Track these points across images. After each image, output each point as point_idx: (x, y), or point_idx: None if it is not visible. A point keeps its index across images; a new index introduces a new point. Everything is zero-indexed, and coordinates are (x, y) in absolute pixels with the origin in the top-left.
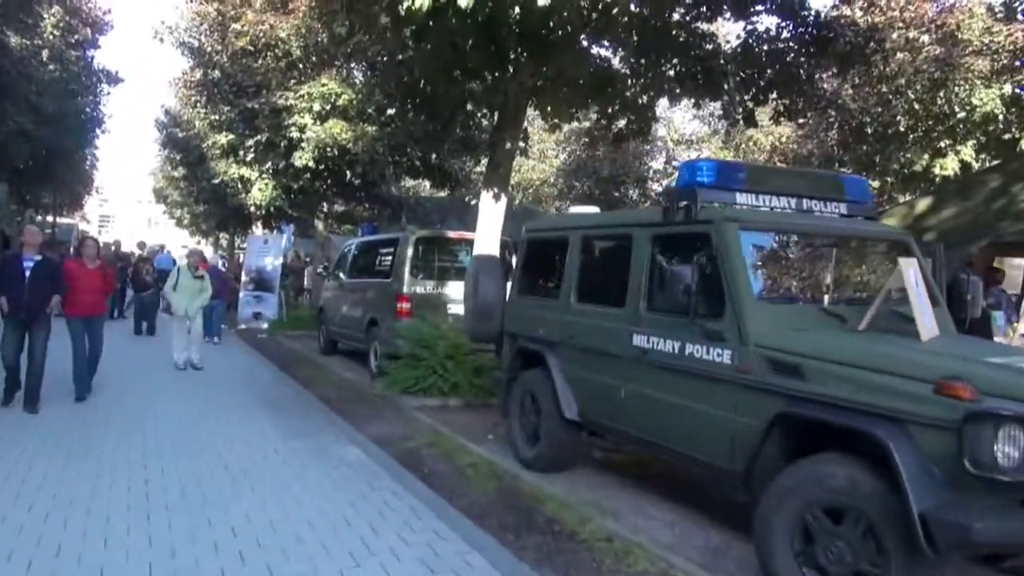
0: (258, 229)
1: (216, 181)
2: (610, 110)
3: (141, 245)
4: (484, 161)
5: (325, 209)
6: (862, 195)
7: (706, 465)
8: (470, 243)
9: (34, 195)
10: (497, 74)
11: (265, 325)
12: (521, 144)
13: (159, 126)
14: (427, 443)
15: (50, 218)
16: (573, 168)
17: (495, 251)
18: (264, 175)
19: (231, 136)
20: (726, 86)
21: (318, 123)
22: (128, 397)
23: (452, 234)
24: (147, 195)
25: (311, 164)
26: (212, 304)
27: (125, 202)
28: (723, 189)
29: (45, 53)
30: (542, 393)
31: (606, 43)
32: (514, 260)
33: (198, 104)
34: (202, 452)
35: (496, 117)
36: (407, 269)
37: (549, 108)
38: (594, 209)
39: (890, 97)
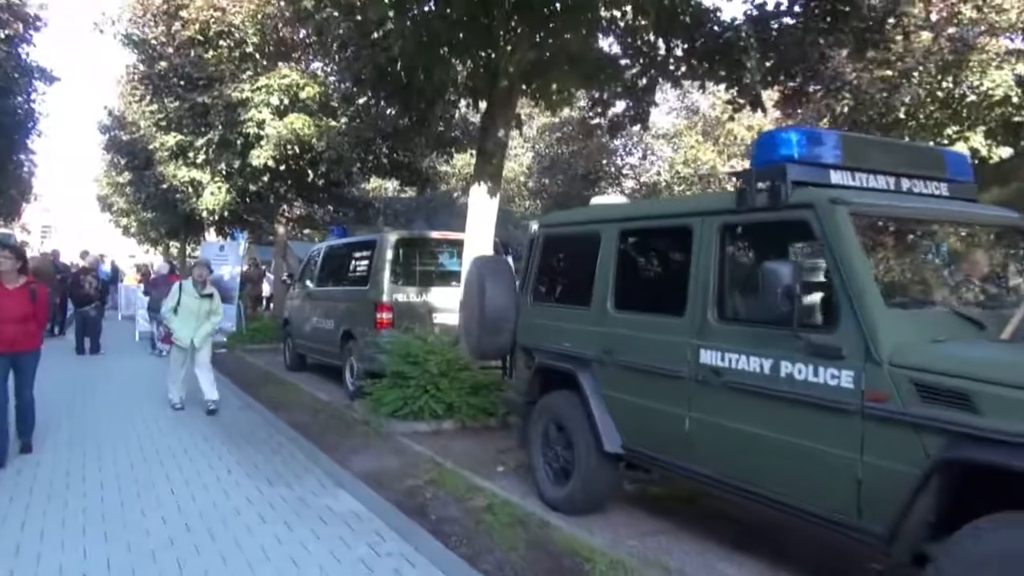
0: (211, 236)
1: (164, 186)
2: (606, 94)
3: (83, 254)
4: (458, 159)
5: (286, 212)
6: (963, 172)
7: (817, 518)
8: (456, 244)
9: None
10: (490, 51)
11: (224, 339)
12: (515, 132)
13: (102, 129)
14: (429, 480)
15: None
16: (546, 166)
17: (488, 252)
18: (217, 178)
19: (180, 136)
20: (749, 63)
21: (277, 118)
22: (68, 435)
23: (435, 235)
24: (92, 203)
25: (271, 163)
26: (157, 314)
27: (68, 211)
28: (814, 165)
29: None
30: (573, 421)
31: (619, 15)
32: (509, 260)
33: (144, 100)
34: (158, 506)
35: (485, 102)
36: (386, 275)
37: (549, 90)
38: (621, 199)
39: (898, 81)
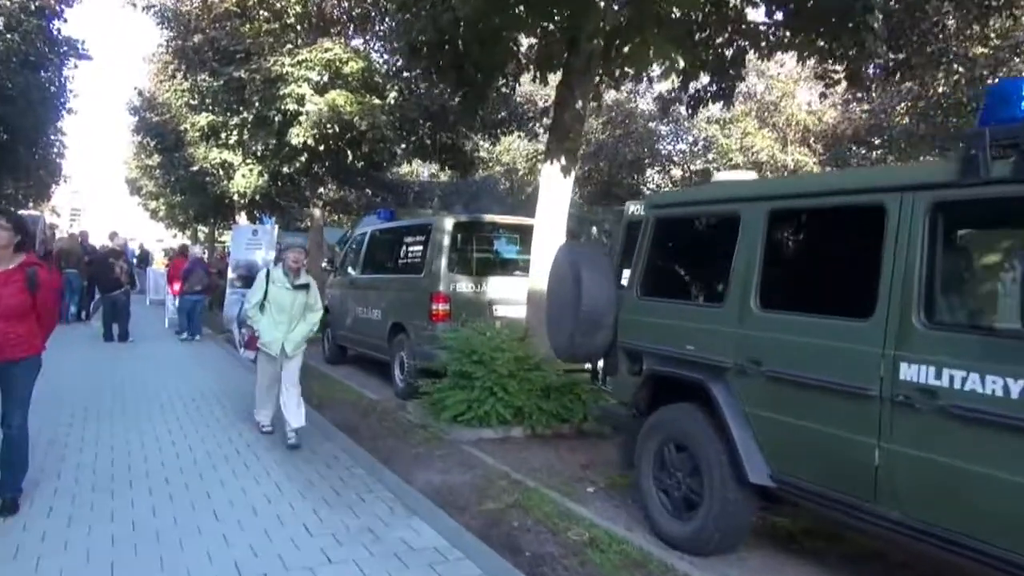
0: (241, 219)
1: (194, 168)
2: (690, 65)
3: (112, 236)
4: (508, 140)
5: (323, 195)
6: None
7: None
8: (519, 230)
9: None
10: (569, 11)
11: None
12: (593, 104)
13: (132, 110)
14: (512, 503)
15: (17, 210)
16: (591, 151)
17: (560, 238)
18: (249, 159)
19: (212, 116)
20: (875, 25)
21: (317, 95)
22: (95, 437)
23: (496, 219)
24: (120, 186)
25: (310, 142)
26: (194, 300)
27: (97, 194)
28: None
29: (0, 21)
30: (701, 442)
31: None
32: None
33: (176, 76)
34: (199, 536)
35: (561, 72)
36: (443, 262)
37: (636, 56)
38: (750, 174)
39: (1007, 56)
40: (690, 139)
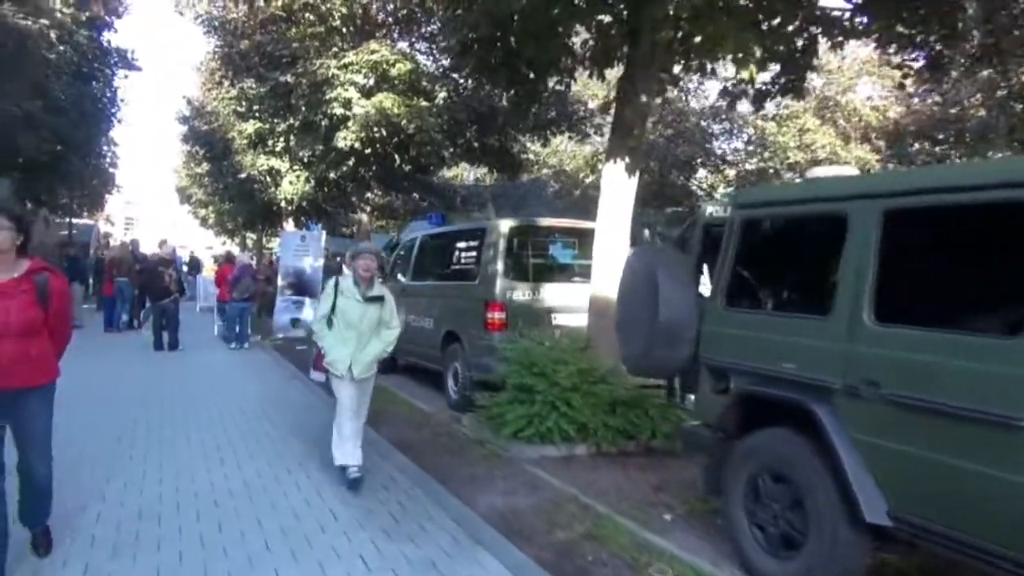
0: (288, 226)
1: (242, 176)
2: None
3: (161, 243)
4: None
5: (370, 200)
6: None
7: None
8: (578, 234)
9: (51, 194)
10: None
11: (303, 334)
12: (657, 100)
13: (181, 119)
14: (584, 532)
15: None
16: (645, 149)
17: (624, 242)
18: (296, 166)
19: (259, 124)
20: (969, 8)
21: (364, 98)
22: (143, 455)
23: (553, 222)
24: (171, 194)
25: (357, 146)
26: (242, 307)
27: (150, 203)
28: None
29: (53, 33)
30: (804, 473)
31: None
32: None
33: (223, 83)
34: (250, 570)
35: (623, 65)
36: (499, 268)
37: (705, 47)
38: (851, 170)
39: None
40: (744, 137)
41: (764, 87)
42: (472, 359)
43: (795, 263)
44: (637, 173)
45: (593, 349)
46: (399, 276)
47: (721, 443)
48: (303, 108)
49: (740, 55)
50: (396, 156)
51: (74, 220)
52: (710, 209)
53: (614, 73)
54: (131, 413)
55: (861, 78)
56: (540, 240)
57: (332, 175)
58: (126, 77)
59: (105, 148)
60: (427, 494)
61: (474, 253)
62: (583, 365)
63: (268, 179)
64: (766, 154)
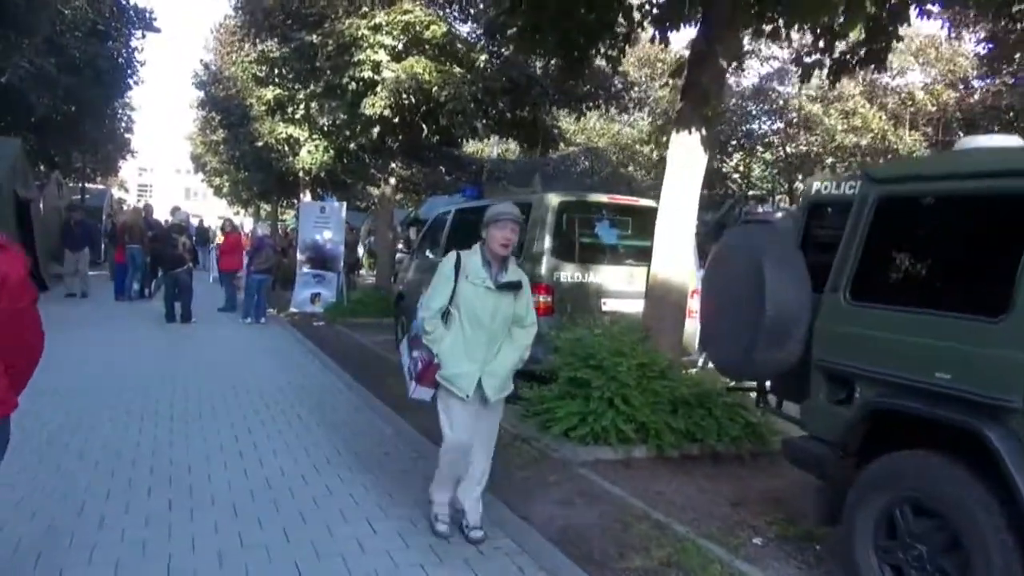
0: (306, 197)
1: (259, 144)
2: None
3: (174, 211)
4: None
5: (394, 171)
6: None
7: None
8: (632, 211)
9: (64, 157)
10: None
11: (320, 310)
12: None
13: (197, 84)
14: (665, 560)
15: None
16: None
17: (691, 223)
18: (315, 135)
19: (278, 90)
20: None
21: (394, 61)
22: (151, 449)
23: (605, 198)
24: (185, 163)
25: (386, 113)
26: (259, 279)
27: (164, 171)
28: None
29: None
30: (967, 511)
31: None
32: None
33: (244, 44)
34: None
35: (699, 24)
36: (546, 247)
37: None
38: (1014, 139)
39: None
40: (787, 119)
41: (844, 56)
42: None
43: (952, 250)
44: (709, 147)
45: (651, 340)
46: (429, 253)
47: (840, 463)
48: (328, 71)
49: (846, 12)
50: (423, 126)
51: (87, 185)
52: (817, 184)
53: (678, 37)
54: (140, 395)
55: (911, 65)
56: (591, 217)
57: (352, 146)
58: (143, 37)
59: (120, 112)
60: None
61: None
62: (642, 358)
63: (286, 148)
64: (812, 137)
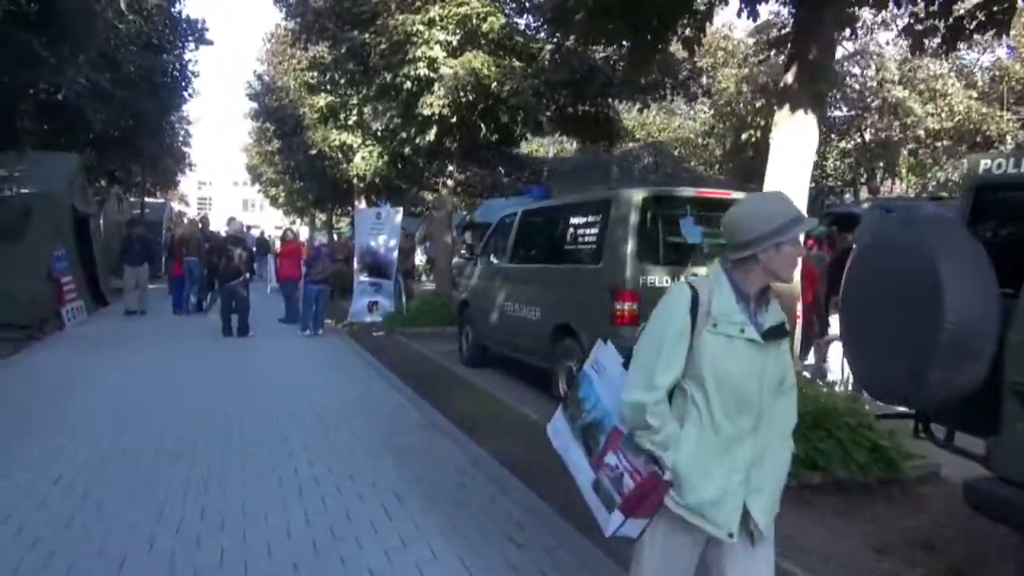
0: (361, 204)
1: (313, 152)
2: None
3: (229, 221)
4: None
5: (454, 174)
6: None
7: None
8: (724, 206)
9: (124, 171)
10: None
11: (379, 319)
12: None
13: (251, 95)
14: None
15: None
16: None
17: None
18: (368, 141)
19: (331, 97)
20: None
21: (451, 57)
22: (203, 476)
23: (695, 192)
24: (242, 175)
25: (446, 112)
26: (316, 289)
27: (223, 184)
28: None
29: (122, 1)
30: None
31: None
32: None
33: (295, 50)
34: None
35: None
36: (630, 249)
37: None
38: None
39: None
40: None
41: (961, 21)
42: None
43: None
44: (818, 126)
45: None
46: (493, 257)
47: None
48: (382, 71)
49: None
50: (482, 125)
51: (147, 199)
52: (986, 162)
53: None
54: (192, 420)
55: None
56: (678, 214)
57: (407, 150)
58: (197, 49)
59: (177, 125)
60: (575, 557)
61: (595, 230)
62: None
63: (339, 155)
64: (895, 122)
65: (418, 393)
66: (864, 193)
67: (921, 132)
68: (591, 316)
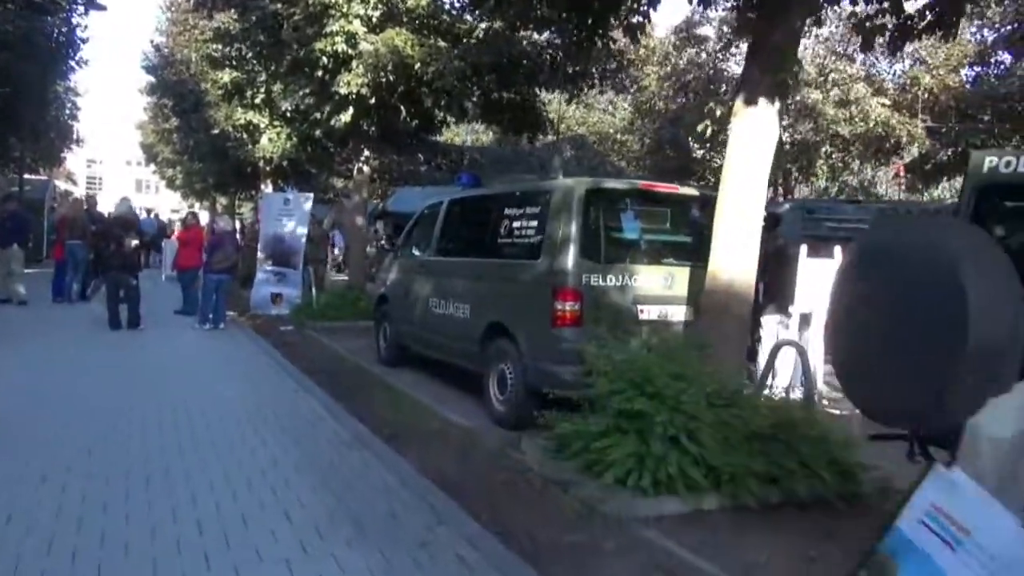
0: (267, 188)
1: (215, 131)
2: None
3: (121, 201)
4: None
5: (370, 160)
6: None
7: None
8: (672, 201)
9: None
10: None
11: (285, 312)
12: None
13: (147, 67)
14: None
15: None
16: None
17: (759, 213)
18: (276, 121)
19: (236, 73)
20: None
21: (371, 33)
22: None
23: (639, 185)
24: (137, 153)
25: (364, 91)
26: (218, 279)
27: (115, 163)
28: None
29: None
30: None
31: None
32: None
33: (198, 20)
34: None
35: None
36: (573, 244)
37: None
38: None
39: None
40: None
41: (909, 20)
42: (532, 363)
43: None
44: (781, 119)
45: (710, 358)
46: (416, 250)
47: None
48: (294, 45)
49: None
50: (402, 108)
51: (27, 176)
52: (991, 160)
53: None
54: (71, 435)
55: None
56: (623, 208)
57: (319, 132)
58: (86, 14)
59: (64, 96)
60: None
61: (534, 223)
62: (710, 384)
63: (244, 135)
64: (808, 126)
65: (334, 397)
66: (779, 193)
67: (844, 133)
68: (529, 316)
